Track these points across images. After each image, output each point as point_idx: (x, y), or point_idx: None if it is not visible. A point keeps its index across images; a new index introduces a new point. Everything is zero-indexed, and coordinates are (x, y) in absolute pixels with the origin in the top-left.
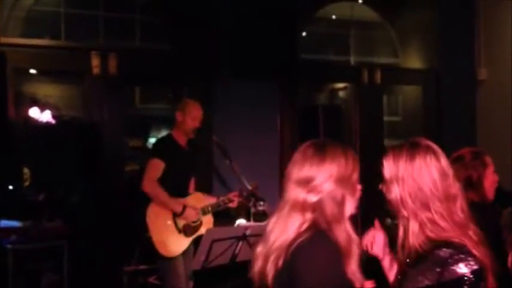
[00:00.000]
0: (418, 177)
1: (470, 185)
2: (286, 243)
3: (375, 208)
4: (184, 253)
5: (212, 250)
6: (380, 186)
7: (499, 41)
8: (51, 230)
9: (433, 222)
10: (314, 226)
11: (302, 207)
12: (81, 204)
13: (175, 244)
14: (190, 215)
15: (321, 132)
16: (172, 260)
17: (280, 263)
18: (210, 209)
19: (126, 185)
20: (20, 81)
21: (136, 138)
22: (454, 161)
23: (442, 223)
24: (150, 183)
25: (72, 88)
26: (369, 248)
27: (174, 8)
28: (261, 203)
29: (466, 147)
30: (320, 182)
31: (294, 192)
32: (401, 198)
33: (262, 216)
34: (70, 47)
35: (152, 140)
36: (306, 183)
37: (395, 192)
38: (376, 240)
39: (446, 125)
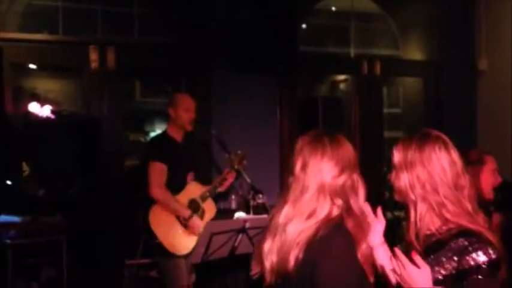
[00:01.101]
0: (428, 164)
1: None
2: (309, 230)
3: (375, 199)
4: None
5: (211, 243)
6: (388, 175)
7: (499, 32)
8: (51, 225)
9: (442, 205)
10: (340, 216)
11: (330, 192)
12: (80, 198)
13: (185, 241)
14: (196, 225)
15: (321, 124)
16: (176, 258)
17: (301, 255)
18: (208, 194)
19: (125, 179)
20: (18, 76)
21: (136, 132)
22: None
23: (451, 207)
24: (159, 190)
25: (70, 83)
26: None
27: (172, 1)
28: (260, 195)
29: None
30: (340, 169)
31: (317, 180)
32: (410, 184)
33: (262, 209)
34: (68, 42)
35: (152, 134)
36: (328, 171)
37: (404, 179)
38: (374, 228)
39: (447, 116)
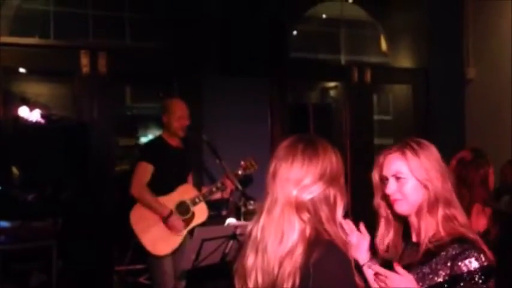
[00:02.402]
0: (439, 174)
1: (483, 182)
2: (294, 256)
3: (366, 207)
4: (175, 251)
5: (202, 249)
6: (388, 189)
7: (488, 41)
8: (41, 230)
9: (454, 217)
10: (317, 234)
11: (297, 207)
12: (71, 204)
13: (166, 242)
14: (175, 224)
15: (311, 131)
16: (160, 258)
17: (298, 280)
18: (200, 198)
19: (116, 184)
20: (8, 80)
21: (127, 137)
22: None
23: (461, 218)
24: (138, 188)
25: (61, 87)
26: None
27: (164, 5)
28: (251, 202)
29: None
30: (311, 181)
31: (284, 191)
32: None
33: (253, 216)
34: (59, 46)
35: (143, 139)
36: (297, 181)
37: (415, 189)
38: (359, 245)
39: (435, 123)
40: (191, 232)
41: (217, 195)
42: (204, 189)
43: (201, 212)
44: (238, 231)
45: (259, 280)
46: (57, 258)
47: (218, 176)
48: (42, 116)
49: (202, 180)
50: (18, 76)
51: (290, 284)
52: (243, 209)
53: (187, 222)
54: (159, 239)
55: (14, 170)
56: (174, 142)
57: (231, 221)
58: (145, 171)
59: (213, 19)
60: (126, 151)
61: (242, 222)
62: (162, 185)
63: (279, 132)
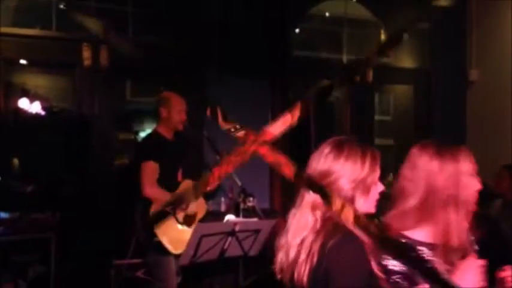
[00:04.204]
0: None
1: None
2: (306, 243)
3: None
4: None
5: (201, 245)
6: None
7: (491, 43)
8: (39, 222)
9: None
10: (329, 224)
11: (312, 205)
12: (70, 196)
13: (183, 238)
14: (194, 205)
15: (312, 129)
16: (168, 256)
17: (315, 260)
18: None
19: (115, 177)
20: (9, 72)
21: (127, 131)
22: None
23: None
24: (151, 188)
25: (62, 79)
26: None
27: (166, 2)
28: (250, 198)
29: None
30: (332, 180)
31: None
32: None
33: (251, 212)
34: (61, 38)
35: (142, 134)
36: (321, 179)
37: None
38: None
39: (437, 125)
40: None
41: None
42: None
43: (201, 207)
44: (237, 228)
45: (281, 256)
46: (55, 251)
47: None
48: (43, 108)
49: (202, 176)
50: (19, 67)
51: (307, 267)
52: (242, 206)
53: (194, 217)
54: (175, 237)
55: (14, 161)
56: (170, 135)
57: (230, 217)
58: (153, 170)
59: (214, 17)
60: (125, 145)
61: (241, 219)
62: (166, 181)
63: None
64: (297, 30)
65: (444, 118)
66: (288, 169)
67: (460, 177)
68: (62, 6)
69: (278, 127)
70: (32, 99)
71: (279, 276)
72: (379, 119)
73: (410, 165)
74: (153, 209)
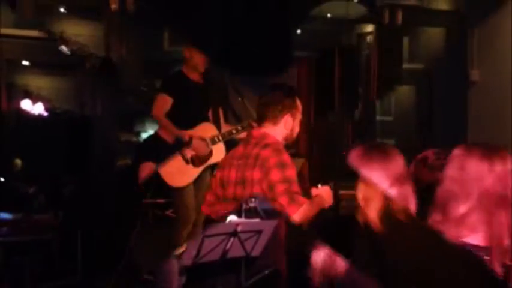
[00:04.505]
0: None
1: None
2: None
3: None
4: (196, 183)
5: (203, 246)
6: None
7: (492, 43)
8: (42, 223)
9: None
10: None
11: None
12: (72, 197)
13: (183, 175)
14: (199, 146)
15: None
16: (181, 190)
17: None
18: (220, 138)
19: (117, 178)
20: (12, 73)
21: (128, 133)
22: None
23: None
24: (159, 114)
25: (64, 80)
26: None
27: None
28: (253, 199)
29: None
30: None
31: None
32: None
33: (253, 213)
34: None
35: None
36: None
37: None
38: None
39: (438, 125)
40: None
41: (238, 135)
42: (225, 129)
43: (218, 152)
44: (239, 229)
45: None
46: (57, 252)
47: (242, 113)
48: (45, 109)
49: (227, 119)
50: (22, 69)
51: None
52: (244, 207)
53: (204, 159)
54: (176, 171)
55: (17, 161)
56: (195, 77)
57: (232, 218)
58: (165, 102)
59: (216, 18)
60: (128, 147)
61: (243, 220)
62: (182, 119)
63: (304, 78)
64: (299, 31)
65: (445, 118)
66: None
67: (508, 177)
68: (62, 10)
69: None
70: (35, 101)
71: None
72: (380, 120)
73: (457, 168)
74: (160, 133)
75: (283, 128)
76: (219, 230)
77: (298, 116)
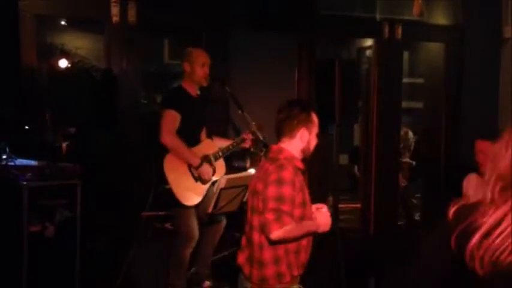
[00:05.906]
0: None
1: None
2: None
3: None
4: (199, 202)
5: (221, 197)
6: None
7: None
8: (66, 170)
9: None
10: None
11: None
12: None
13: (195, 192)
14: (206, 171)
15: (337, 86)
16: (186, 209)
17: None
18: (220, 154)
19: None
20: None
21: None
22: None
23: None
24: (169, 136)
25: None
26: None
27: None
28: None
29: None
30: None
31: None
32: None
33: None
34: None
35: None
36: None
37: None
38: None
39: (468, 85)
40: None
41: (236, 149)
42: (224, 144)
43: (220, 168)
44: None
45: None
46: (81, 197)
47: (242, 127)
48: (73, 64)
49: (227, 132)
50: (53, 25)
51: None
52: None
53: (210, 177)
54: (187, 189)
55: (46, 115)
56: (194, 92)
57: (251, 171)
58: (174, 119)
59: None
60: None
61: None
62: (187, 136)
63: (305, 90)
64: None
65: (476, 77)
66: None
67: None
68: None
69: None
70: (65, 56)
71: None
72: (408, 82)
73: None
74: (169, 157)
75: (300, 141)
76: (238, 181)
77: (315, 130)
